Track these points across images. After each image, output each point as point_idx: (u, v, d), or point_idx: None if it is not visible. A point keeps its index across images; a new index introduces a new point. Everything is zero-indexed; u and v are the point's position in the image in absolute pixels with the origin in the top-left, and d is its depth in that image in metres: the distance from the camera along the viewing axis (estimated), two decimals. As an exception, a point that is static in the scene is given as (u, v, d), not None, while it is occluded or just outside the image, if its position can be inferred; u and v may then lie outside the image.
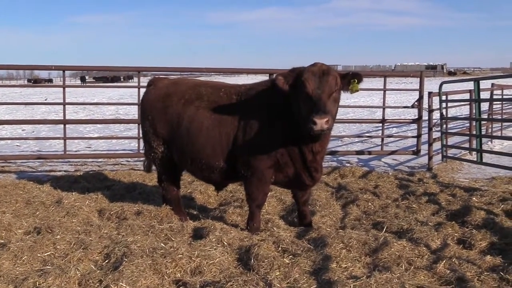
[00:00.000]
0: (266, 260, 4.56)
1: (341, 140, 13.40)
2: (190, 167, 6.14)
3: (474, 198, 7.01)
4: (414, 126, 11.41)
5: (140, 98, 9.04)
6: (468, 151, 10.82)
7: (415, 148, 10.53)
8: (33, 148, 12.36)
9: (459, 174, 9.39)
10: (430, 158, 9.78)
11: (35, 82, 57.91)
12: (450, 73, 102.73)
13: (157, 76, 6.92)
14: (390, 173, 9.22)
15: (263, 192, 5.73)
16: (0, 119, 13.40)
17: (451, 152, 10.70)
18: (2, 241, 5.26)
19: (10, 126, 16.45)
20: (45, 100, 31.09)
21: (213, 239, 5.13)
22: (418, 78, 10.45)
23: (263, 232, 5.58)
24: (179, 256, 4.56)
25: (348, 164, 10.21)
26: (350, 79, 5.18)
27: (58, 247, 5.00)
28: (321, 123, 4.71)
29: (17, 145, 12.74)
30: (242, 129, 5.52)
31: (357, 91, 5.23)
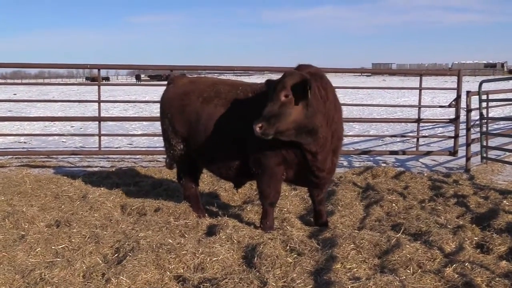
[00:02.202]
0: (269, 259, 4.56)
1: (382, 140, 13.16)
2: (208, 164, 6.22)
3: (505, 202, 6.74)
4: (451, 126, 11.07)
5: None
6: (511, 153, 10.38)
7: (452, 149, 10.21)
8: (78, 144, 12.75)
9: (499, 176, 9.04)
10: (467, 159, 9.47)
11: (93, 80, 59.66)
12: (511, 72, 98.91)
13: (176, 75, 7.01)
14: (425, 174, 8.98)
15: (274, 190, 5.71)
16: (35, 116, 13.90)
17: (493, 153, 10.31)
18: (23, 232, 5.49)
19: (60, 123, 17.09)
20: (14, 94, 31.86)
21: (223, 236, 5.18)
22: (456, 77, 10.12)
23: (276, 231, 5.56)
24: (184, 252, 4.63)
25: (384, 164, 10.02)
26: (304, 86, 5.08)
27: (73, 240, 5.18)
28: (255, 128, 4.97)
29: (63, 141, 13.18)
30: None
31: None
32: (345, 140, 12.72)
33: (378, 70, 66.27)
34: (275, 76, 5.87)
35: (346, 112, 20.66)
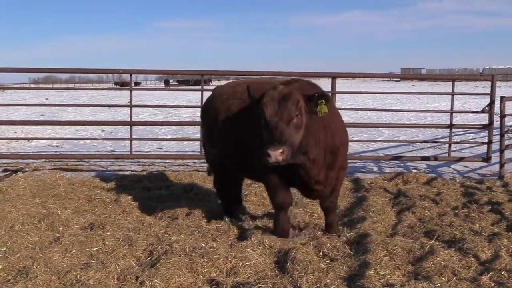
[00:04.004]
0: (301, 264, 4.55)
1: (412, 146, 13.02)
2: (237, 170, 6.21)
3: (541, 209, 6.60)
4: (484, 132, 10.89)
5: (203, 101, 9.36)
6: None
7: (485, 155, 10.04)
8: (108, 148, 12.91)
9: (534, 183, 8.85)
10: (501, 166, 9.29)
11: (122, 85, 60.45)
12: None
13: (221, 85, 6.97)
14: (457, 180, 8.85)
15: (277, 196, 5.50)
16: (69, 120, 14.11)
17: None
18: (58, 235, 5.60)
19: (91, 127, 17.34)
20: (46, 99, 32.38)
21: (255, 241, 5.20)
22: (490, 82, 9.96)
23: (306, 236, 5.54)
24: (216, 256, 4.65)
25: (415, 170, 9.90)
26: (317, 100, 4.82)
27: (106, 243, 5.26)
28: (275, 155, 4.50)
29: (94, 145, 13.36)
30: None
31: (326, 113, 4.85)
32: (375, 145, 12.81)
33: (408, 75, 65.72)
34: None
35: (375, 117, 20.62)
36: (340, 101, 17.39)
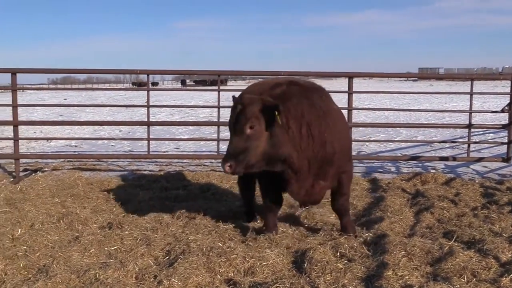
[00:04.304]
0: (319, 264, 4.54)
1: (430, 146, 12.91)
2: None
3: None
4: (503, 132, 10.75)
5: (220, 101, 9.38)
6: None
7: (505, 155, 9.92)
8: (126, 148, 12.99)
9: (555, 184, 8.72)
10: (522, 166, 9.19)
11: (139, 85, 60.88)
12: None
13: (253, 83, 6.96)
14: (476, 181, 8.76)
15: (266, 199, 5.61)
16: (87, 120, 14.22)
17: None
18: (77, 234, 5.66)
19: (109, 127, 17.46)
20: (64, 99, 32.62)
21: (273, 241, 5.18)
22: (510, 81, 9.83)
23: (324, 236, 5.53)
24: (234, 256, 4.66)
25: (433, 170, 9.82)
26: (272, 111, 4.75)
27: (125, 242, 5.30)
28: (224, 167, 4.74)
29: (112, 145, 13.47)
30: None
31: (279, 123, 4.79)
32: (392, 145, 12.73)
33: (425, 74, 65.14)
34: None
35: (392, 117, 20.51)
36: (357, 101, 17.33)
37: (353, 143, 10.32)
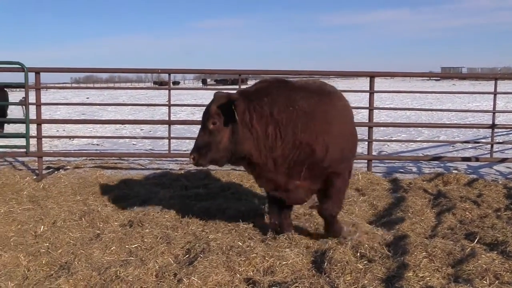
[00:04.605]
0: (339, 264, 4.52)
1: (453, 146, 12.77)
2: None
3: None
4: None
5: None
6: None
7: (530, 155, 9.77)
8: (147, 146, 13.09)
9: None
10: (546, 167, 9.03)
11: (161, 84, 61.24)
12: None
13: None
14: (500, 182, 8.63)
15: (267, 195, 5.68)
16: (108, 119, 14.33)
17: None
18: (98, 231, 5.72)
19: (130, 126, 17.61)
20: (87, 98, 33.04)
21: (293, 240, 5.17)
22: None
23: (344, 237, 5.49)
24: (253, 255, 4.66)
25: (455, 171, 9.71)
26: (230, 107, 4.87)
27: (145, 240, 5.34)
28: (189, 158, 5.10)
29: (133, 144, 13.58)
30: None
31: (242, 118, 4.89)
32: (414, 145, 12.62)
33: (448, 74, 64.05)
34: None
35: (414, 117, 20.34)
36: (378, 100, 17.20)
37: (374, 143, 10.31)
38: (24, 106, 9.47)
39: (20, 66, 8.84)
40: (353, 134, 5.56)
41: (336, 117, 5.24)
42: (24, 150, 9.07)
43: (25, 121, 9.05)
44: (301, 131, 4.94)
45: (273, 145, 4.94)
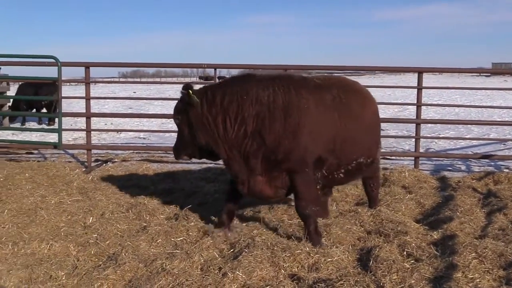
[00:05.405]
0: (385, 263, 4.44)
1: (504, 144, 12.39)
2: None
3: None
4: None
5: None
6: None
7: None
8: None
9: None
10: None
11: (206, 79, 61.66)
12: None
13: None
14: (557, 181, 8.32)
15: None
16: (154, 113, 14.51)
17: None
18: (145, 224, 5.81)
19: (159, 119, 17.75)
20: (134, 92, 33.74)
21: (336, 237, 5.13)
22: None
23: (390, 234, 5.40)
24: (298, 251, 4.63)
25: (507, 170, 9.42)
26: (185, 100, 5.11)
27: (190, 233, 5.40)
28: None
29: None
30: None
31: (196, 101, 5.02)
32: (463, 143, 12.29)
33: (499, 70, 62.31)
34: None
35: (463, 114, 19.79)
36: (426, 97, 16.85)
37: (421, 140, 10.09)
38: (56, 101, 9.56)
39: (54, 60, 8.89)
40: (324, 134, 5.17)
41: (301, 112, 5.01)
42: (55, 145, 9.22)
43: (58, 115, 9.20)
44: (253, 121, 4.96)
45: (225, 134, 5.02)
